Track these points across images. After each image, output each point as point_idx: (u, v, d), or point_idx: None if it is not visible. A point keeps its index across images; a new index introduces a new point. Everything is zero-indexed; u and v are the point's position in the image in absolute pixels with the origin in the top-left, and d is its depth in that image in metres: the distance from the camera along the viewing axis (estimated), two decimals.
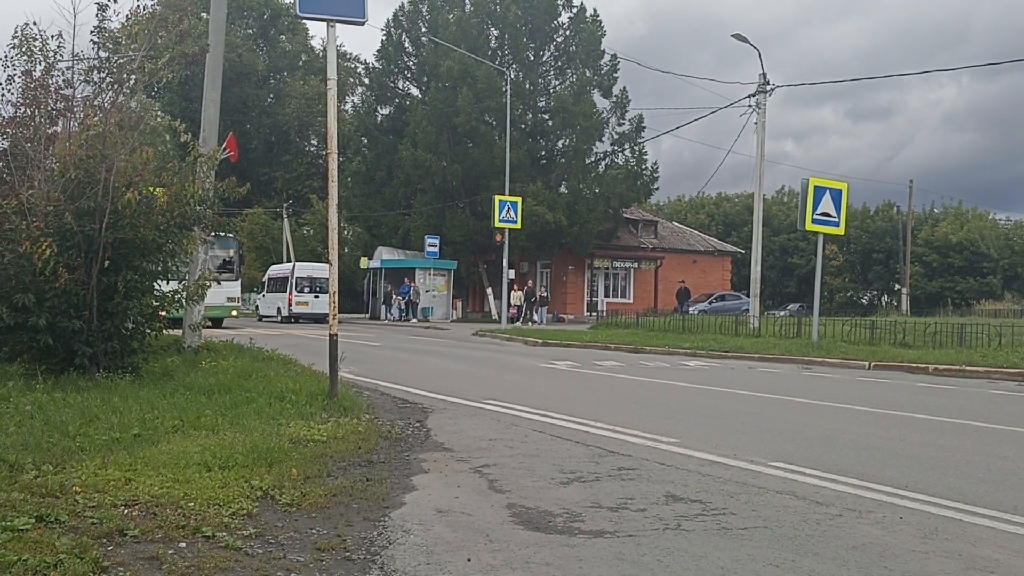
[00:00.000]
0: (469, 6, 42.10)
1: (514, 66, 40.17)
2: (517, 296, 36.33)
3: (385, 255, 42.09)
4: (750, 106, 26.01)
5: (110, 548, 4.15)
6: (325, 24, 9.02)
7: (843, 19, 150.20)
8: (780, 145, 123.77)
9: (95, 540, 4.18)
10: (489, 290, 42.16)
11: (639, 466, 6.39)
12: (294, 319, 37.31)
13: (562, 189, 40.56)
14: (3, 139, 10.51)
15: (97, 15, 10.98)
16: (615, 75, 41.70)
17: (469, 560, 4.17)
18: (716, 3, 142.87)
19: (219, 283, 25.00)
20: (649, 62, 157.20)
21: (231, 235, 28.82)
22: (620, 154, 41.79)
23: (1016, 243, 63.55)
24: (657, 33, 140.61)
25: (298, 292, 37.66)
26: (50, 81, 10.34)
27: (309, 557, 4.17)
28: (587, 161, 40.90)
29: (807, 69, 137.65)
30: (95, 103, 10.55)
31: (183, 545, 4.22)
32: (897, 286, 58.30)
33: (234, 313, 29.72)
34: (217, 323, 28.59)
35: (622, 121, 41.58)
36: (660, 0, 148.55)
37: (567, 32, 42.11)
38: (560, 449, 7.04)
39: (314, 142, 51.93)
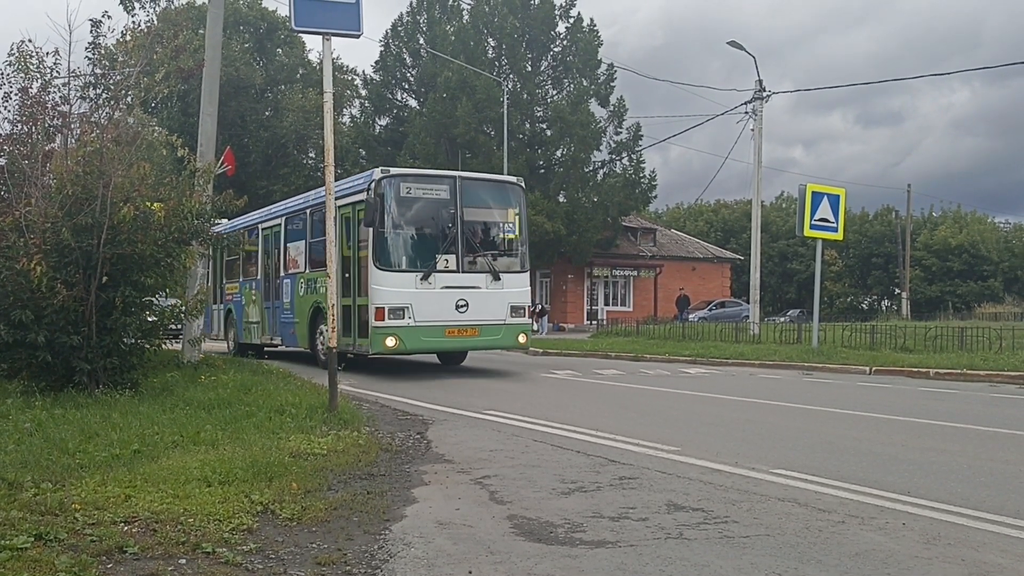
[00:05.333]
0: (467, 17, 42.26)
1: (512, 76, 40.30)
2: None
3: None
4: (746, 113, 26.08)
5: (110, 565, 4.13)
6: (321, 38, 9.03)
7: (858, 26, 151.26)
8: (789, 151, 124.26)
9: (95, 558, 4.16)
10: None
11: (640, 475, 6.36)
12: None
13: (560, 198, 40.64)
14: (0, 156, 10.53)
15: (91, 31, 11.04)
16: (612, 84, 41.87)
17: (470, 572, 4.15)
18: (733, 12, 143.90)
19: (496, 277, 14.00)
20: (666, 71, 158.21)
21: (513, 178, 15.35)
22: (618, 163, 41.90)
23: (1016, 246, 63.64)
24: (674, 42, 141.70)
25: None
26: (47, 98, 10.39)
27: (310, 571, 4.15)
28: (585, 170, 40.99)
29: (822, 76, 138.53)
30: (92, 119, 10.58)
31: (183, 561, 4.20)
32: (897, 290, 58.28)
33: (522, 339, 14.65)
34: (458, 357, 16.33)
35: (620, 130, 41.73)
36: (679, 9, 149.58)
37: (564, 42, 42.25)
38: (561, 459, 7.02)
39: (312, 154, 51.94)
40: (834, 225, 19.33)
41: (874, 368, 16.16)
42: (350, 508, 5.28)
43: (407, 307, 13.41)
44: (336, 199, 14.20)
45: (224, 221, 21.91)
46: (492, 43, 41.73)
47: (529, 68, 41.86)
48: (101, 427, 7.39)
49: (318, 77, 47.19)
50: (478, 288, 13.90)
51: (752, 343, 22.22)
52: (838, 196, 19.52)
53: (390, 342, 13.31)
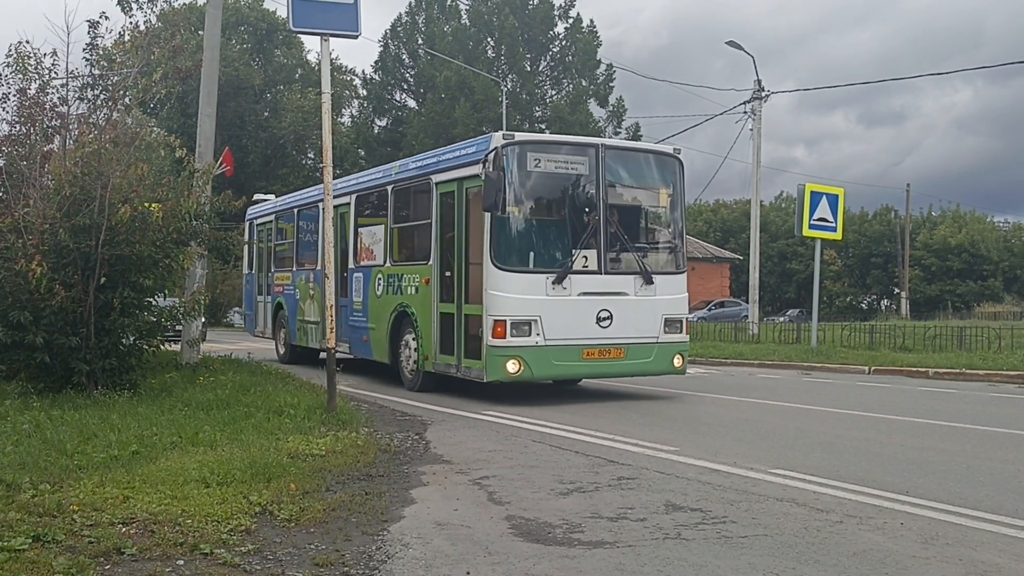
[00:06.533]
0: (466, 17, 42.30)
1: (511, 76, 40.36)
2: None
3: None
4: (745, 113, 26.10)
5: (107, 567, 4.13)
6: (319, 38, 9.04)
7: (860, 26, 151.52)
8: (791, 151, 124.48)
9: (92, 559, 4.16)
10: None
11: (639, 475, 6.37)
12: None
13: None
14: None
15: (89, 32, 11.06)
16: (611, 84, 41.92)
17: (468, 573, 4.15)
18: (735, 12, 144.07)
19: (647, 280, 10.93)
20: (670, 70, 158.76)
21: (668, 148, 11.97)
22: None
23: (1015, 245, 63.71)
24: (678, 42, 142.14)
25: None
26: (45, 99, 10.39)
27: (308, 572, 4.15)
28: None
29: (825, 75, 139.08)
30: (90, 120, 10.58)
31: (181, 562, 4.20)
32: (896, 290, 58.28)
33: (678, 361, 11.60)
34: (567, 380, 12.38)
35: (619, 130, 41.79)
36: (683, 9, 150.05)
37: (563, 42, 42.32)
38: (560, 459, 7.02)
39: (311, 155, 51.95)
40: (833, 225, 19.34)
41: (873, 368, 16.17)
42: (348, 509, 5.28)
43: (535, 320, 10.23)
44: (434, 173, 11.57)
45: (271, 197, 20.19)
46: (491, 43, 41.79)
47: (528, 68, 41.93)
48: (99, 428, 7.38)
49: (317, 78, 47.32)
50: (624, 295, 10.78)
51: (751, 343, 22.23)
52: (836, 196, 19.53)
53: (512, 367, 10.15)
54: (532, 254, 10.64)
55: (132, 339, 10.17)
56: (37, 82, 10.47)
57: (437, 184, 11.48)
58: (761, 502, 5.52)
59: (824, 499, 5.60)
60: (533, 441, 7.91)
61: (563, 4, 41.82)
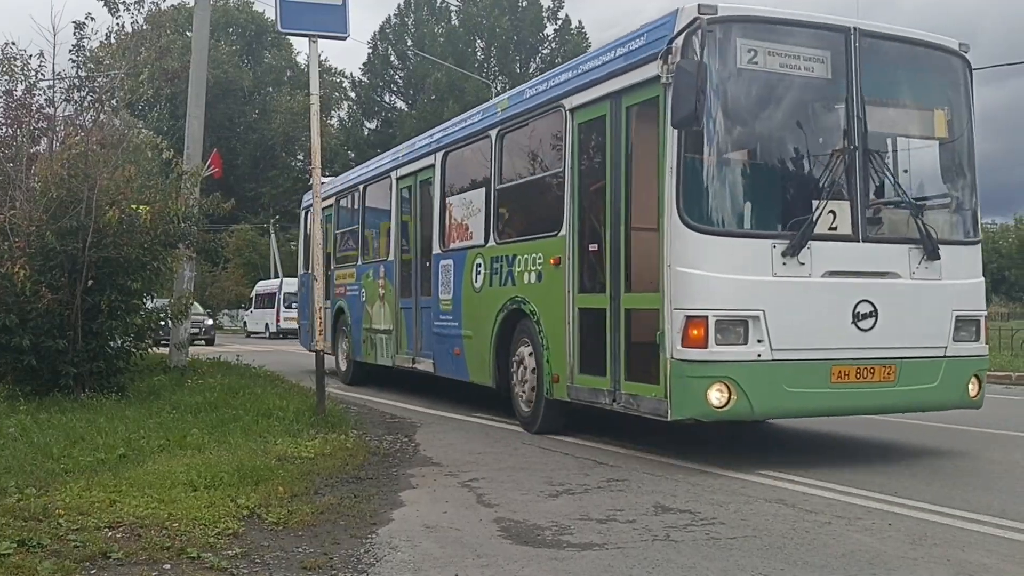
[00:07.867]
0: (455, 19, 42.34)
1: (500, 78, 40.39)
2: None
3: None
4: None
5: (93, 571, 4.10)
6: (307, 40, 9.02)
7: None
8: None
9: (78, 564, 4.13)
10: None
11: (628, 477, 6.37)
12: (282, 335, 37.01)
13: None
14: None
15: (75, 34, 11.03)
16: None
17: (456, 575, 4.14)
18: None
19: (931, 253, 6.92)
20: None
21: (951, 41, 7.26)
22: None
23: (1003, 246, 63.99)
24: None
25: (286, 308, 37.18)
26: (31, 101, 10.34)
27: None
28: None
29: None
30: (77, 122, 10.54)
31: (168, 567, 4.17)
32: None
33: (973, 388, 7.33)
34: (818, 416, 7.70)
35: None
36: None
37: (553, 44, 42.41)
38: (549, 461, 7.01)
39: (300, 157, 51.92)
40: None
41: None
42: (337, 512, 5.26)
43: (755, 317, 6.34)
44: (568, 95, 7.80)
45: (328, 179, 15.86)
46: (481, 44, 41.86)
47: (518, 70, 42.02)
48: (86, 431, 7.33)
49: (306, 79, 47.33)
50: (895, 276, 6.81)
51: None
52: None
53: (717, 397, 6.26)
54: (749, 206, 6.79)
55: (120, 342, 10.12)
56: (23, 84, 10.44)
57: (574, 111, 7.74)
58: (750, 503, 5.53)
59: (813, 500, 5.61)
60: (522, 443, 7.90)
61: (551, 6, 41.94)
